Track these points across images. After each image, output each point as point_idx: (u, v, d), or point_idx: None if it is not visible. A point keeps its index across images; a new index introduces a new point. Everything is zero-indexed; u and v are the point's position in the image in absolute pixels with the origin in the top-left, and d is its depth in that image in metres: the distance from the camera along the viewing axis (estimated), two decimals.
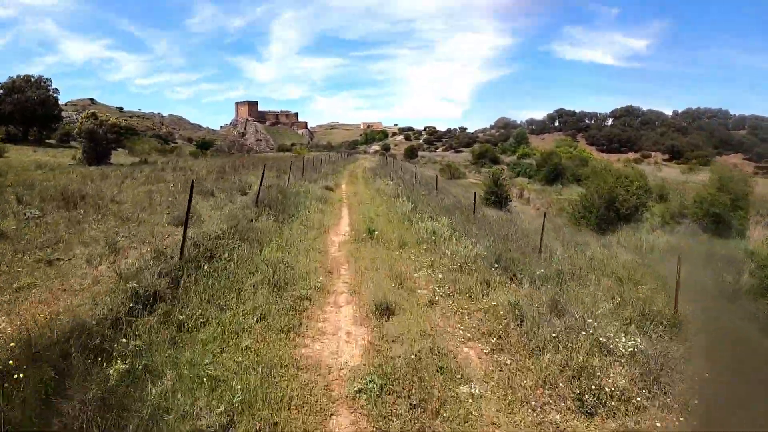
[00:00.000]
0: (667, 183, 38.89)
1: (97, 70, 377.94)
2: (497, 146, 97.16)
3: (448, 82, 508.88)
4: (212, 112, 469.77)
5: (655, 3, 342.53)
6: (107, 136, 33.83)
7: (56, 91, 50.88)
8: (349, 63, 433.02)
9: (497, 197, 23.92)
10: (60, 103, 53.86)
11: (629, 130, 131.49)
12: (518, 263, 8.54)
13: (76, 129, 37.62)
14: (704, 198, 22.07)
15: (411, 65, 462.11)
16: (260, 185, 13.12)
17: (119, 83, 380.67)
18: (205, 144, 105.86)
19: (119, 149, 50.43)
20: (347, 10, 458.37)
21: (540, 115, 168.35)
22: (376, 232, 10.71)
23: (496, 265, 8.18)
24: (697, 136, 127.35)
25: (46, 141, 48.91)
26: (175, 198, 13.91)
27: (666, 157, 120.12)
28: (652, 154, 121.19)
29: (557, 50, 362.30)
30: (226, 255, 8.31)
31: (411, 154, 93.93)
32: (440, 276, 7.97)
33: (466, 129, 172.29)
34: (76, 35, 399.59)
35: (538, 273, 8.12)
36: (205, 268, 7.39)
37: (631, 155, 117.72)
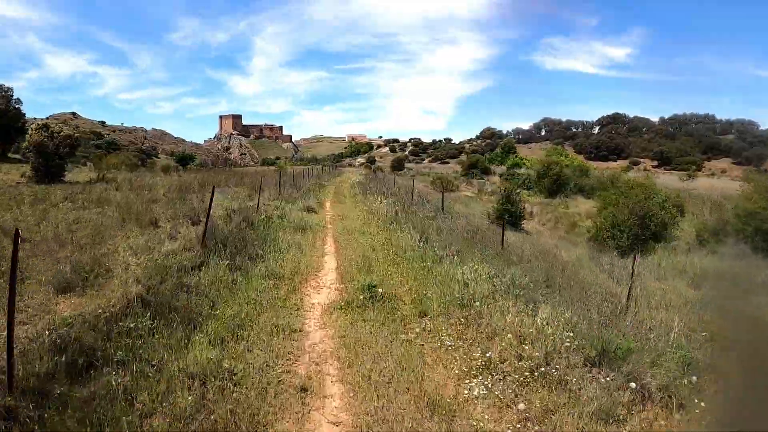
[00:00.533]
0: (670, 191, 35.53)
1: (81, 84, 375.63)
2: (485, 156, 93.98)
3: (431, 94, 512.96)
4: (195, 126, 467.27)
5: (633, 13, 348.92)
6: (59, 150, 29.68)
7: (19, 101, 46.41)
8: (333, 76, 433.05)
9: (511, 216, 20.34)
10: (37, 116, 49.44)
11: (617, 138, 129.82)
12: (628, 353, 4.94)
13: (25, 143, 33.54)
14: (753, 212, 18.74)
15: (394, 78, 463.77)
16: (208, 215, 9.28)
17: (103, 98, 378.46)
18: (184, 158, 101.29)
19: (87, 164, 46.12)
20: (329, 24, 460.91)
21: (524, 124, 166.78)
22: (380, 289, 6.99)
23: (612, 375, 4.53)
24: (686, 141, 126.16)
25: (8, 156, 44.36)
26: (99, 236, 10.00)
27: (655, 163, 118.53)
28: (641, 161, 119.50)
29: (538, 60, 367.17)
30: (120, 357, 4.59)
31: (398, 165, 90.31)
32: (512, 396, 4.29)
33: (451, 140, 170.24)
34: (59, 49, 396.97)
35: (668, 374, 4.59)
36: (54, 411, 3.64)
37: (620, 163, 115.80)
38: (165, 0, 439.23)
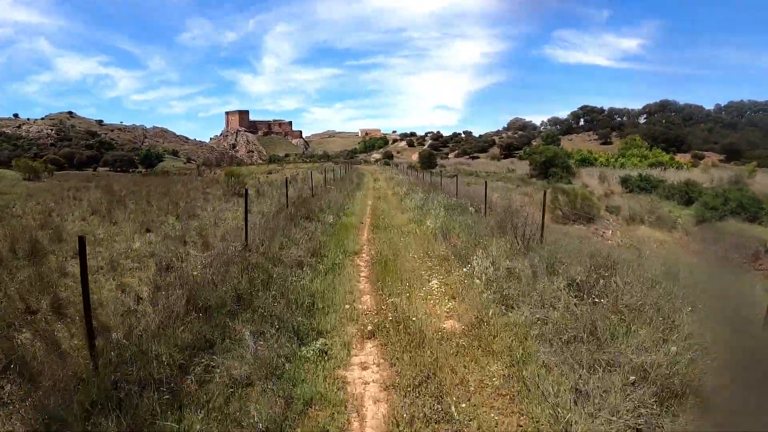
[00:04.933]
0: None
1: (93, 87, 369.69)
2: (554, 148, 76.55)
3: (442, 90, 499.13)
4: (208, 125, 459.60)
5: (645, 3, 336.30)
6: None
7: None
8: (344, 73, 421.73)
9: None
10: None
11: (673, 128, 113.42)
12: None
13: None
14: None
15: (405, 74, 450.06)
16: None
17: (115, 99, 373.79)
18: (149, 156, 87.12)
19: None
20: (339, 22, 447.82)
21: (552, 114, 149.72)
22: None
23: None
24: (751, 132, 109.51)
25: None
26: None
27: (722, 157, 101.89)
28: (705, 154, 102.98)
29: (550, 54, 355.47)
30: None
31: (428, 162, 74.56)
32: None
33: (470, 133, 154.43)
34: (70, 53, 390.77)
35: None
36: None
37: (680, 156, 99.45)
38: (173, 2, 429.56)
